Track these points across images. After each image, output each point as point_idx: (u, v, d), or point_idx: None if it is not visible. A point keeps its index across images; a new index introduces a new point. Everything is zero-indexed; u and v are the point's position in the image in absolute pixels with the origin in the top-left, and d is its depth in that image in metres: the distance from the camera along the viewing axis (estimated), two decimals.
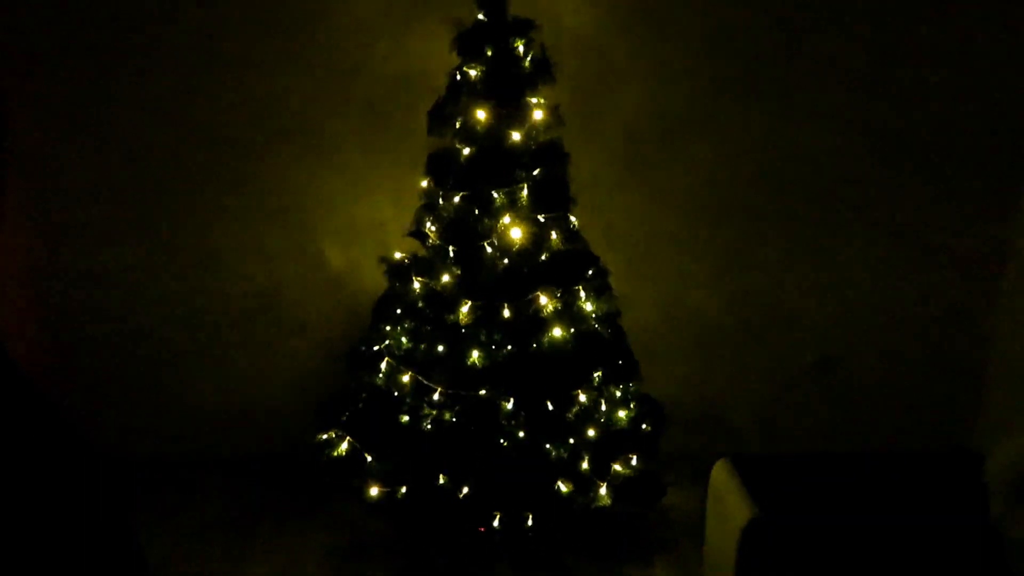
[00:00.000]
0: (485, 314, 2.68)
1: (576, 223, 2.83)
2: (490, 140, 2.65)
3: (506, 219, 2.67)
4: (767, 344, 3.47)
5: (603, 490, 2.76)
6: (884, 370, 3.50)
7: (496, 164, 2.66)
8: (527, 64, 2.65)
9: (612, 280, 2.91)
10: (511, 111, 2.65)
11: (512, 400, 2.67)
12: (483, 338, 2.67)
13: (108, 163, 3.23)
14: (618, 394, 2.84)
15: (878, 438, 3.49)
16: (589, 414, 2.77)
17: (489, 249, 2.69)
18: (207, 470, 3.37)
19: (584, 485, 2.73)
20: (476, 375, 2.67)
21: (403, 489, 2.75)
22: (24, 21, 3.06)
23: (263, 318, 3.41)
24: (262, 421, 3.45)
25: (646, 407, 2.92)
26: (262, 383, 3.45)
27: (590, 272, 2.80)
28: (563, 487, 2.70)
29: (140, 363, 3.42)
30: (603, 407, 2.81)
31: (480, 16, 2.63)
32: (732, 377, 3.50)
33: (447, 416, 2.69)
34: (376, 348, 2.85)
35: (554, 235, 2.72)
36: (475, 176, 2.67)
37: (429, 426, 2.70)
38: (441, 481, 2.71)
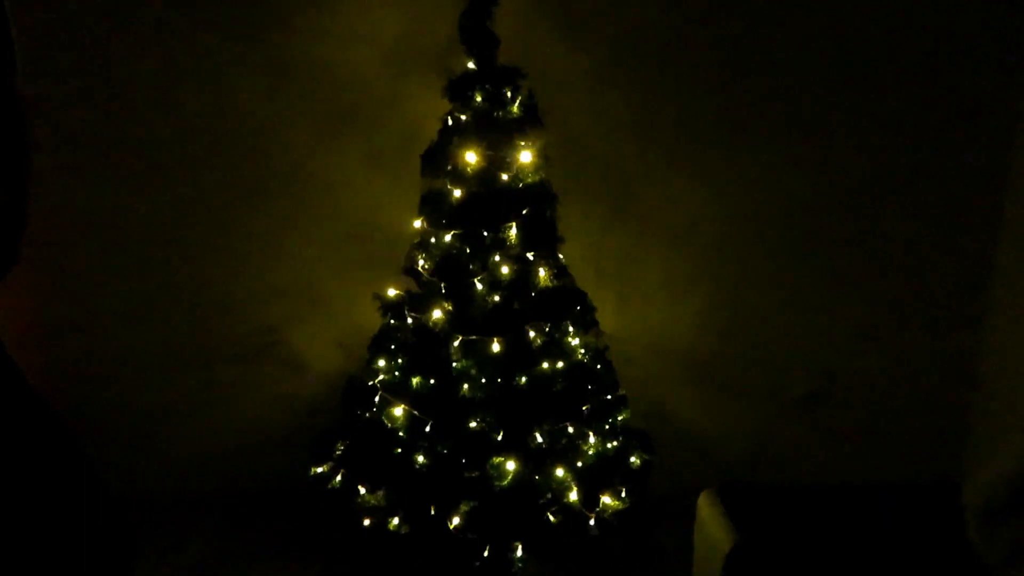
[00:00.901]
0: (476, 348, 2.75)
1: (564, 260, 2.91)
2: (480, 182, 2.75)
3: (496, 257, 2.75)
4: (755, 379, 3.53)
5: (592, 521, 2.79)
6: (872, 404, 3.54)
7: (486, 204, 2.74)
8: (515, 109, 2.75)
9: (601, 316, 2.98)
10: (500, 154, 2.74)
11: (502, 432, 2.73)
12: (473, 372, 2.73)
13: (111, 204, 3.31)
14: (606, 427, 2.89)
15: (867, 470, 3.51)
16: (578, 446, 2.82)
17: (480, 286, 2.77)
18: (205, 507, 3.39)
19: (573, 517, 2.77)
20: (467, 407, 2.73)
21: (395, 521, 2.78)
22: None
23: (262, 356, 3.47)
24: (261, 458, 3.47)
25: (634, 440, 2.97)
26: (261, 420, 3.50)
27: (578, 307, 2.88)
28: (552, 518, 2.74)
29: (139, 402, 3.47)
30: (592, 439, 2.85)
31: (470, 65, 2.76)
32: (721, 411, 3.55)
33: (438, 448, 2.74)
34: (371, 383, 2.91)
35: (542, 272, 2.79)
36: (466, 216, 2.76)
37: (421, 458, 2.75)
38: (433, 512, 2.74)
